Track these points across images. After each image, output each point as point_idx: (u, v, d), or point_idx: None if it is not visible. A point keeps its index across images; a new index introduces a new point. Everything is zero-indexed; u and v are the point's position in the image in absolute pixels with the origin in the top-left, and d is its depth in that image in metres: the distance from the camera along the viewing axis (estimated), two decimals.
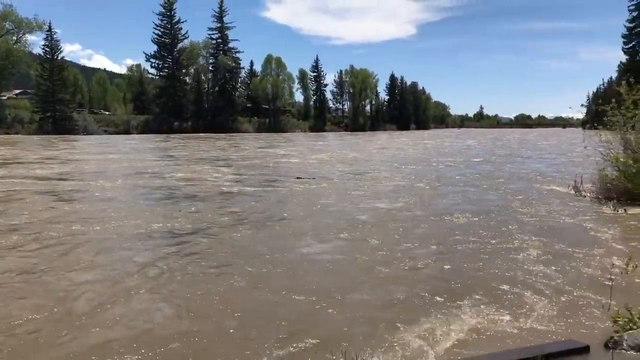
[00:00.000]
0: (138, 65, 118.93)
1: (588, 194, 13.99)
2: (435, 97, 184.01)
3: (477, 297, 6.20)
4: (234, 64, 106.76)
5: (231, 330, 5.10)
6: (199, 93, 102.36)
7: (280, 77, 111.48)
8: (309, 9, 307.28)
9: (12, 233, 9.30)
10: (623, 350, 4.59)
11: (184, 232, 9.55)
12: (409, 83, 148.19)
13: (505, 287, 6.58)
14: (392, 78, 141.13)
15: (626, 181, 12.72)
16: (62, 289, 6.27)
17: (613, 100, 13.77)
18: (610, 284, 5.72)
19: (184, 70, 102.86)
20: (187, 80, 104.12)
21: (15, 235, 9.09)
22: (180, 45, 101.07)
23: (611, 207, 11.96)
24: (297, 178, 18.67)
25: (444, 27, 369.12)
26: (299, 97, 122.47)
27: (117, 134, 79.98)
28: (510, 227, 10.21)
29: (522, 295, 6.26)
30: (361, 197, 14.37)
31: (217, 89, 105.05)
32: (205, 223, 10.36)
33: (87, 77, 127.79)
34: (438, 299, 6.12)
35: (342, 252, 8.17)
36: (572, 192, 14.66)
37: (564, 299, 6.07)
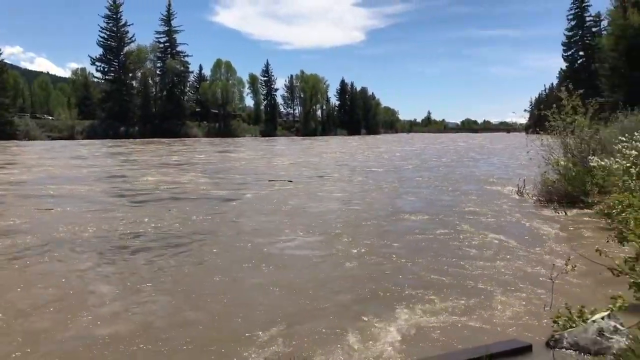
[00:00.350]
0: (83, 69, 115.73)
1: (531, 197, 14.47)
2: (385, 102, 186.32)
3: (425, 296, 6.32)
4: (182, 68, 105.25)
5: (220, 316, 5.77)
6: (147, 97, 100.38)
7: (230, 81, 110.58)
8: (258, 14, 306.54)
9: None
10: (563, 349, 4.77)
11: (185, 231, 10.32)
12: (359, 88, 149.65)
13: (453, 286, 6.75)
14: (343, 83, 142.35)
15: (566, 184, 13.20)
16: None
17: (554, 105, 14.31)
18: (551, 284, 5.91)
19: (130, 74, 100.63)
20: (134, 85, 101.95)
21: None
22: (126, 48, 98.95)
23: (552, 209, 12.39)
24: (270, 181, 19.63)
25: (392, 34, 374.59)
26: (249, 101, 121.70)
27: (61, 139, 77.38)
28: (459, 228, 10.56)
29: (468, 294, 6.42)
30: (332, 199, 15.45)
31: (165, 93, 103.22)
32: (195, 224, 11.10)
33: (28, 81, 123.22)
34: (383, 297, 6.21)
35: (320, 248, 9.03)
36: (516, 195, 15.12)
37: (508, 299, 6.26)
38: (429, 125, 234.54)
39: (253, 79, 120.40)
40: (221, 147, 55.82)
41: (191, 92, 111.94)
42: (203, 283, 6.97)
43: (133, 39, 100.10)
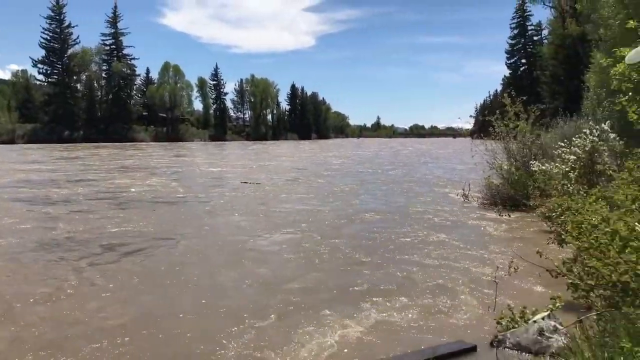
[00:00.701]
0: (24, 71, 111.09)
1: (476, 200, 14.83)
2: (335, 107, 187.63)
3: (374, 296, 6.38)
4: (129, 71, 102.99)
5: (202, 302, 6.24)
6: (92, 101, 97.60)
7: (179, 85, 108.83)
8: (207, 17, 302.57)
9: None
10: (507, 349, 4.89)
11: (172, 230, 10.21)
12: (309, 93, 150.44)
13: (402, 287, 6.84)
14: (293, 88, 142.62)
15: (509, 188, 13.61)
16: None
17: (497, 111, 14.74)
18: (495, 285, 6.06)
19: (75, 77, 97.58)
20: (79, 87, 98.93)
21: None
22: (70, 50, 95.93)
23: (496, 211, 12.73)
24: (243, 182, 20.86)
25: (342, 39, 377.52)
26: (198, 105, 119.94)
27: (1, 143, 74.23)
28: (409, 230, 10.79)
29: (416, 296, 6.52)
30: (298, 200, 16.00)
31: (111, 96, 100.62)
32: (178, 224, 11.78)
33: None
34: (333, 298, 6.24)
35: (290, 245, 9.60)
36: (462, 198, 15.47)
37: (454, 300, 6.39)
38: (378, 130, 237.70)
39: (202, 83, 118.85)
40: (175, 151, 54.81)
41: (138, 96, 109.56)
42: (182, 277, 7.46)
43: (77, 40, 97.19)
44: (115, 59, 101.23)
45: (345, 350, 5.01)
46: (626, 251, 3.82)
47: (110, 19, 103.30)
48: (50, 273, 7.61)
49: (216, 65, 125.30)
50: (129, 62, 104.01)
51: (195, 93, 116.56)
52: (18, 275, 7.51)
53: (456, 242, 9.76)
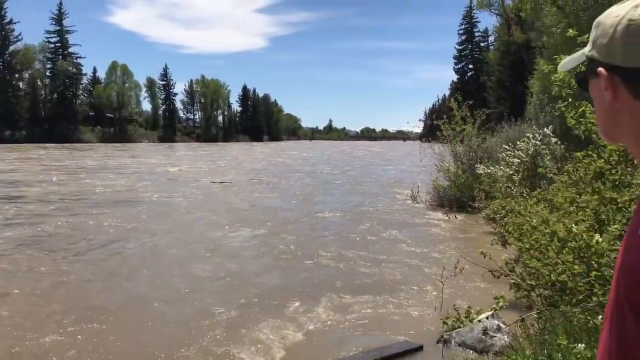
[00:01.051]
0: None
1: (424, 202, 15.10)
2: (287, 109, 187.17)
3: (322, 296, 6.40)
4: (74, 70, 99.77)
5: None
6: (35, 100, 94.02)
7: (127, 84, 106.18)
8: (157, 16, 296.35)
9: None
10: (452, 348, 4.99)
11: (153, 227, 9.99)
12: (261, 95, 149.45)
13: (351, 288, 6.89)
14: (245, 89, 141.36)
15: (456, 190, 13.91)
16: None
17: (445, 116, 15.05)
18: (441, 285, 6.17)
19: (17, 75, 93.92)
20: (21, 86, 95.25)
21: None
22: (12, 47, 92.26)
23: (443, 213, 12.99)
24: (212, 182, 21.52)
25: (294, 41, 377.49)
26: (147, 106, 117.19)
27: None
28: (359, 235, 10.86)
29: (366, 297, 6.57)
30: (261, 199, 16.88)
31: (55, 95, 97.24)
32: (156, 222, 12.40)
33: None
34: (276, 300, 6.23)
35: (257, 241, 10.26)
36: (410, 200, 15.72)
37: (402, 301, 6.48)
38: (330, 132, 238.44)
39: (151, 83, 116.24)
40: (130, 152, 53.17)
41: (84, 96, 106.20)
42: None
43: (20, 37, 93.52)
44: (60, 57, 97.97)
45: (293, 351, 5.00)
46: (564, 252, 3.96)
47: (55, 16, 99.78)
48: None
49: (165, 65, 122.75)
50: (75, 60, 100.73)
51: (143, 93, 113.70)
52: None
53: (404, 244, 9.92)
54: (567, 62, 1.04)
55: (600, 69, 0.93)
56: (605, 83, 0.92)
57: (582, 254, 3.87)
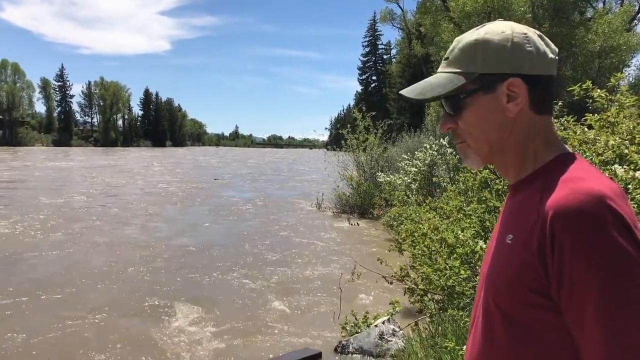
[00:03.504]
0: None
1: (328, 209, 15.33)
2: (192, 114, 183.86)
3: (229, 303, 6.30)
4: None
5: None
6: None
7: (18, 85, 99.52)
8: (53, 14, 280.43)
9: None
10: (350, 353, 5.08)
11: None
12: (164, 99, 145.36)
13: (251, 297, 6.83)
14: (147, 93, 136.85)
15: (358, 197, 14.25)
16: None
17: (349, 125, 15.40)
18: (340, 291, 6.27)
19: None
20: None
21: None
22: None
23: (346, 220, 13.25)
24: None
25: (200, 46, 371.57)
26: (40, 107, 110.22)
27: None
28: (264, 243, 10.78)
29: (267, 304, 6.55)
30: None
31: None
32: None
33: None
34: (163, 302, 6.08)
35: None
36: (315, 208, 15.90)
37: (302, 308, 6.54)
38: (236, 139, 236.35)
39: (45, 84, 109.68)
40: (46, 155, 49.57)
41: None
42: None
43: None
44: None
45: None
46: (452, 257, 4.16)
47: None
48: None
49: (62, 66, 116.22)
50: None
51: (37, 94, 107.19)
52: None
53: (306, 250, 10.01)
54: (433, 87, 1.04)
55: (516, 79, 0.99)
56: (518, 92, 0.98)
57: (468, 260, 4.09)
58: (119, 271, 8.27)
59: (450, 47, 1.07)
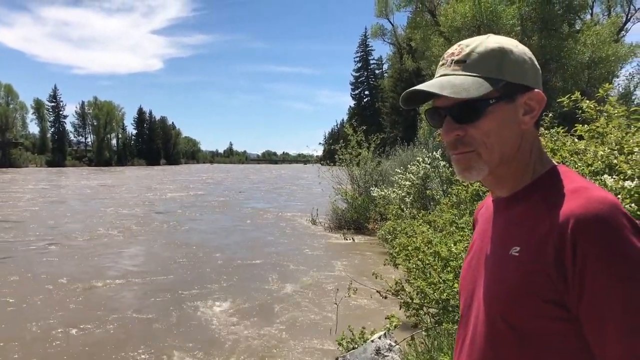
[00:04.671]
0: None
1: (323, 225, 15.30)
2: (186, 132, 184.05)
3: (225, 318, 6.25)
4: None
5: None
6: None
7: (11, 106, 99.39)
8: (46, 35, 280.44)
9: None
10: None
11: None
12: (158, 117, 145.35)
13: (249, 312, 6.79)
14: (140, 112, 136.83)
15: (353, 212, 14.23)
16: None
17: (342, 140, 15.43)
18: (336, 307, 6.24)
19: None
20: None
21: None
22: None
23: (341, 234, 13.24)
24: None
25: (193, 64, 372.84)
26: (34, 128, 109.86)
27: None
28: (256, 258, 10.79)
29: (264, 320, 6.51)
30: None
31: None
32: None
33: None
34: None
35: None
36: (310, 223, 15.88)
37: (300, 324, 6.50)
38: (231, 156, 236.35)
39: (39, 104, 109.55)
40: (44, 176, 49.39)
41: None
42: None
43: None
44: None
45: None
46: (445, 271, 4.16)
47: None
48: None
49: (55, 86, 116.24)
50: None
51: (31, 115, 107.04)
52: None
53: (302, 266, 9.99)
54: (463, 88, 0.97)
55: (538, 93, 1.01)
56: (535, 106, 1.00)
57: None
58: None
59: (460, 50, 1.02)
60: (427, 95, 1.03)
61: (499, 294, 0.98)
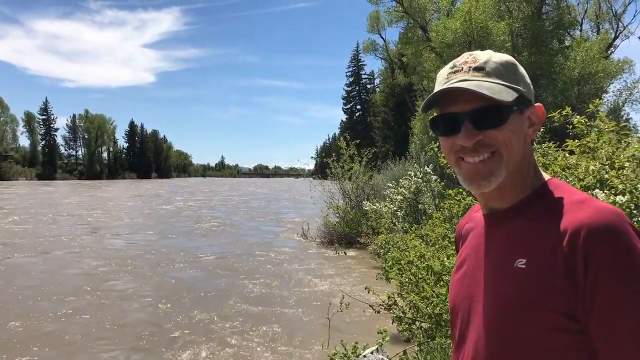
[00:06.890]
0: None
1: (314, 239, 15.26)
2: (178, 146, 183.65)
3: (215, 334, 6.20)
4: None
5: None
6: None
7: (2, 118, 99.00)
8: (37, 47, 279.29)
9: None
10: None
11: None
12: (149, 131, 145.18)
13: (242, 326, 6.74)
14: (132, 125, 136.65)
15: (344, 226, 14.21)
16: None
17: (334, 154, 15.47)
18: (328, 322, 6.21)
19: None
20: None
21: None
22: None
23: (333, 249, 13.20)
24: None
25: (184, 77, 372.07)
26: (24, 141, 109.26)
27: None
28: (247, 273, 10.70)
29: (255, 335, 6.46)
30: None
31: None
32: None
33: None
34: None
35: None
36: (301, 238, 15.84)
37: (291, 339, 6.44)
38: (222, 169, 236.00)
39: (29, 117, 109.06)
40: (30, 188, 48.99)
41: None
42: None
43: None
44: None
45: None
46: (438, 285, 4.16)
47: None
48: None
49: (46, 99, 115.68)
50: None
51: (21, 128, 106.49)
52: None
53: (293, 281, 9.94)
54: (498, 90, 0.96)
55: (540, 106, 1.04)
56: (537, 120, 1.04)
57: None
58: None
59: (474, 58, 1.02)
60: (437, 101, 1.02)
61: (504, 307, 0.97)
